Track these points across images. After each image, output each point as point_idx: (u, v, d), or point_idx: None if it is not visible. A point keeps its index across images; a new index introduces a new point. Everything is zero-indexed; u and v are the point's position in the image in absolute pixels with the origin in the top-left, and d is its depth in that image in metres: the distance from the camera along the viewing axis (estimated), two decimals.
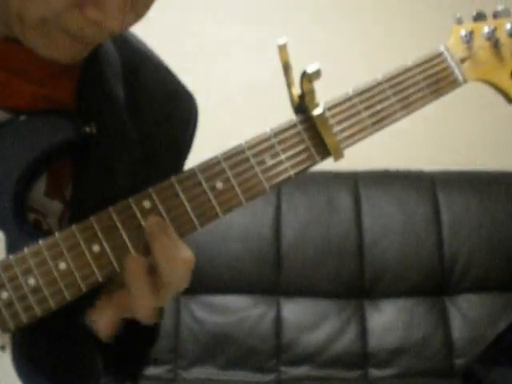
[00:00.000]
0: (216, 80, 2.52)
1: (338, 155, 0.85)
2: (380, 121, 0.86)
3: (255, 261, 2.44)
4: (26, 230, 0.81)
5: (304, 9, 2.66)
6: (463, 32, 0.89)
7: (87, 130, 0.84)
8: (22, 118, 0.82)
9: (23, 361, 0.80)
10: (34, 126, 0.82)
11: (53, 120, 0.82)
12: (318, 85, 0.83)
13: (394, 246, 2.46)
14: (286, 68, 0.84)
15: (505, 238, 2.48)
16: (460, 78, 0.89)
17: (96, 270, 0.80)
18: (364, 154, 2.51)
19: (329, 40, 2.66)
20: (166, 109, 0.97)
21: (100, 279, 0.80)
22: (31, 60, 0.81)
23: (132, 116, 0.90)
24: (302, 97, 0.84)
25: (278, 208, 2.48)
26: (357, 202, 2.51)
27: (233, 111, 2.51)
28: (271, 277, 2.45)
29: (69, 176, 0.87)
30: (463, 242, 2.48)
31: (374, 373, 2.42)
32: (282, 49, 0.84)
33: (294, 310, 2.44)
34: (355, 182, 2.54)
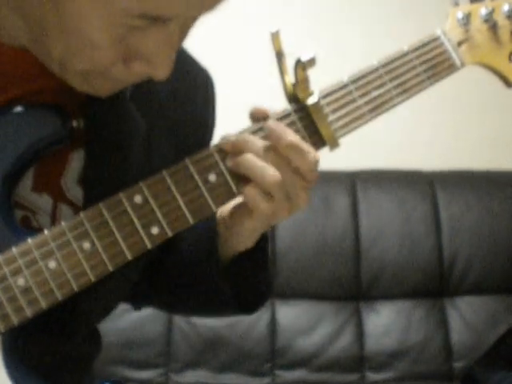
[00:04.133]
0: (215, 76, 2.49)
1: (334, 144, 0.83)
2: (377, 108, 0.84)
3: None
4: (14, 228, 0.79)
5: None
6: (460, 14, 0.88)
7: (74, 124, 0.82)
8: (8, 112, 0.80)
9: (14, 362, 0.78)
10: (19, 121, 0.80)
11: (38, 115, 0.80)
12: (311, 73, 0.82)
13: (391, 247, 2.43)
14: (279, 56, 0.82)
15: (505, 239, 2.45)
16: (457, 62, 0.87)
17: (88, 270, 0.78)
18: (361, 153, 2.50)
19: (323, 27, 2.62)
20: (182, 95, 0.95)
21: (92, 279, 0.78)
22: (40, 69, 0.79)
23: (140, 106, 0.88)
24: (295, 85, 0.82)
25: None
26: (354, 202, 2.48)
27: (230, 106, 2.48)
28: None
29: (61, 168, 0.84)
30: (462, 242, 2.45)
31: (372, 377, 2.38)
32: (275, 37, 0.82)
33: (289, 313, 2.40)
34: (352, 181, 2.51)
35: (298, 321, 2.39)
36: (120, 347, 2.32)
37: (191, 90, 0.96)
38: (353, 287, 2.43)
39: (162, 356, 2.36)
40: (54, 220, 0.84)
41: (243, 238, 0.87)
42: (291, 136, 0.79)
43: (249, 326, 2.38)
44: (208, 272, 0.90)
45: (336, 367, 2.38)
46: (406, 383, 2.36)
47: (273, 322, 2.39)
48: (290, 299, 2.41)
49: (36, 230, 0.78)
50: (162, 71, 0.73)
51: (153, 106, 0.90)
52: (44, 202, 0.84)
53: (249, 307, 0.94)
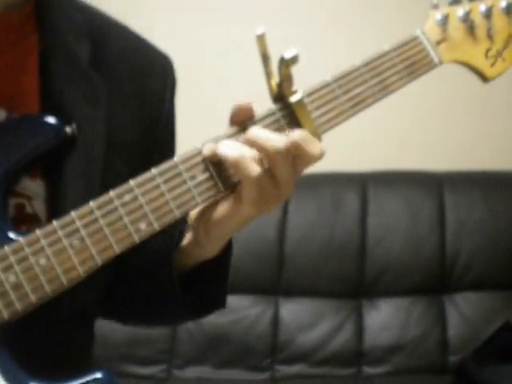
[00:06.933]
0: (212, 76, 2.50)
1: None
2: (358, 104, 0.86)
3: (258, 261, 2.42)
4: (7, 226, 0.81)
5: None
6: (439, 16, 0.90)
7: (68, 130, 0.85)
8: (2, 121, 0.83)
9: (5, 358, 0.80)
10: (15, 129, 0.83)
11: (32, 123, 0.84)
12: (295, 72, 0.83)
13: (396, 246, 2.44)
14: (265, 58, 0.84)
15: (506, 238, 2.46)
16: (436, 59, 0.90)
17: (77, 265, 0.80)
18: (372, 155, 2.50)
19: (305, 29, 2.62)
20: (140, 69, 0.97)
21: (82, 274, 0.80)
22: None
23: (99, 73, 0.91)
24: (280, 84, 0.84)
25: (285, 208, 2.46)
26: (364, 202, 2.48)
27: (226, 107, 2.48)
28: (272, 277, 2.44)
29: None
30: (465, 241, 2.45)
31: (368, 370, 2.40)
32: (261, 39, 0.83)
33: (293, 310, 2.42)
34: (363, 182, 2.50)
35: (301, 317, 2.41)
36: (126, 344, 2.34)
37: (148, 68, 0.98)
38: (356, 285, 2.44)
39: (166, 353, 2.38)
40: (48, 204, 0.87)
41: (221, 241, 0.88)
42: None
43: (252, 322, 2.40)
44: (162, 272, 0.92)
45: (334, 361, 2.39)
46: (401, 377, 2.37)
47: (276, 318, 2.41)
48: (295, 297, 2.44)
49: (29, 217, 0.81)
50: None
51: (111, 73, 0.93)
52: (37, 186, 0.87)
53: (200, 311, 0.99)
